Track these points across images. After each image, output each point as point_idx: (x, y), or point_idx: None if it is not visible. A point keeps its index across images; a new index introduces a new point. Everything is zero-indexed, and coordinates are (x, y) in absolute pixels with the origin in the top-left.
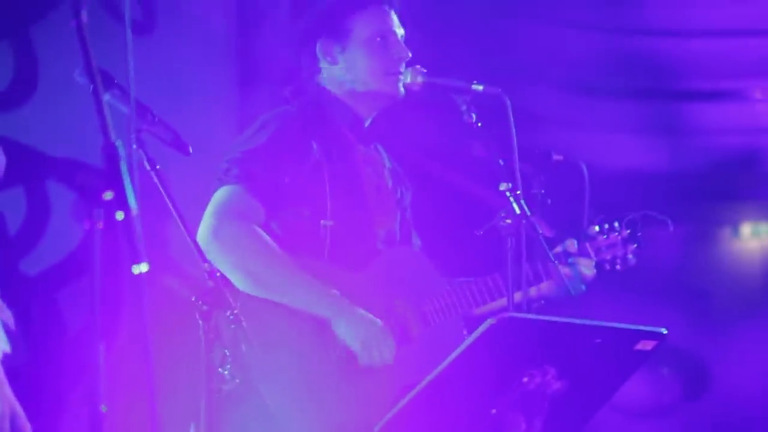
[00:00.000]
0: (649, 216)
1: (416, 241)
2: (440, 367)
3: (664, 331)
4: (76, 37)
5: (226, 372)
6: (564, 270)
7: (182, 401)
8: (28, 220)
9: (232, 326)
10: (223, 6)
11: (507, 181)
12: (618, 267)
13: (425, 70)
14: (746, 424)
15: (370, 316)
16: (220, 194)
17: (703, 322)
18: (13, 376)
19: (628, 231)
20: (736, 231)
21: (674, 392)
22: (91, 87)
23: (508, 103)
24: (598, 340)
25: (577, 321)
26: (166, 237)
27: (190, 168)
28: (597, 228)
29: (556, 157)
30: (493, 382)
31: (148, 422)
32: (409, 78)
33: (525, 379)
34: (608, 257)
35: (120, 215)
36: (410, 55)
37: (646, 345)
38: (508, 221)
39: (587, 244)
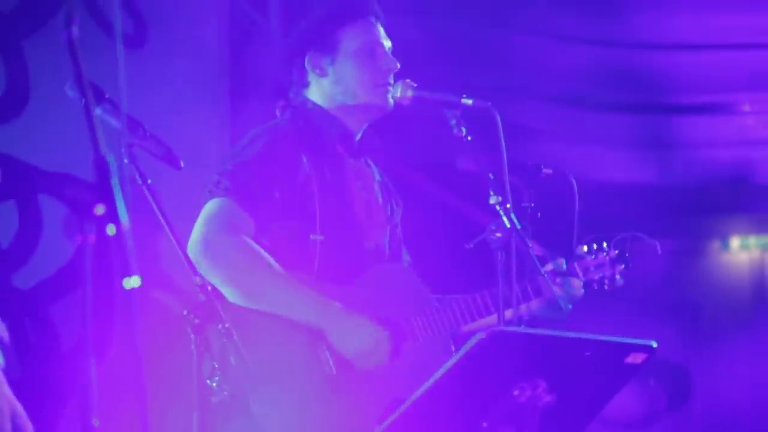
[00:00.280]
0: (637, 237)
1: (406, 257)
2: (431, 381)
3: (654, 344)
4: (67, 51)
5: (214, 384)
6: (554, 289)
7: (175, 414)
8: (21, 234)
9: (224, 339)
10: (215, 20)
11: (497, 195)
12: (606, 287)
13: (415, 84)
14: None
15: (364, 319)
16: (210, 206)
17: (693, 334)
18: None
19: (617, 252)
20: (725, 244)
21: (661, 404)
22: (83, 101)
23: (498, 117)
24: (588, 353)
25: (567, 334)
26: (157, 251)
27: (181, 182)
28: (585, 248)
29: (545, 170)
30: (484, 396)
31: None
32: (399, 92)
33: (516, 393)
34: (596, 277)
35: (111, 229)
36: (399, 66)
37: (636, 358)
38: (498, 235)
39: (575, 264)
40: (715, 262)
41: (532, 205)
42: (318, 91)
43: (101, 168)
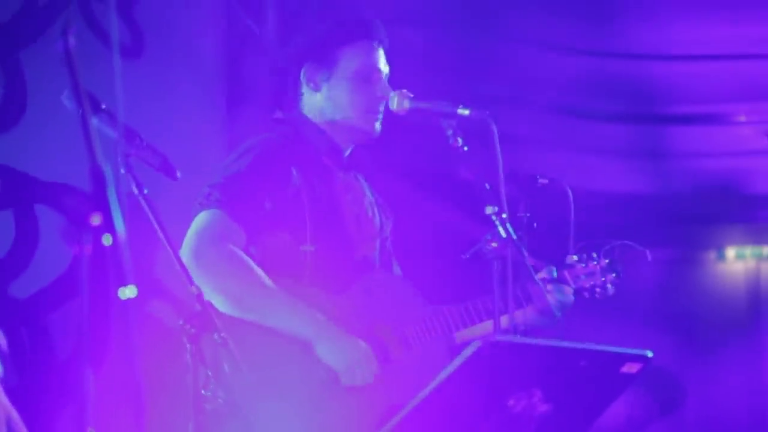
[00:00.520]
0: (627, 246)
1: (396, 269)
2: (426, 391)
3: (650, 354)
4: (64, 61)
5: (208, 393)
6: (546, 295)
7: (171, 424)
8: (17, 244)
9: (220, 348)
10: (211, 29)
11: (493, 205)
12: (597, 295)
13: (412, 95)
14: None
15: (353, 337)
16: (201, 218)
17: (689, 344)
18: None
19: (607, 260)
20: (720, 254)
21: (652, 411)
22: (79, 111)
23: (494, 127)
24: (584, 363)
25: (563, 344)
26: (154, 261)
27: (178, 191)
28: (575, 257)
29: (541, 180)
30: (480, 405)
31: None
32: (395, 103)
33: (511, 402)
34: (587, 285)
35: (107, 239)
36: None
37: (632, 368)
38: (494, 245)
39: (565, 272)
40: (711, 272)
41: (528, 215)
42: (309, 104)
43: (98, 178)
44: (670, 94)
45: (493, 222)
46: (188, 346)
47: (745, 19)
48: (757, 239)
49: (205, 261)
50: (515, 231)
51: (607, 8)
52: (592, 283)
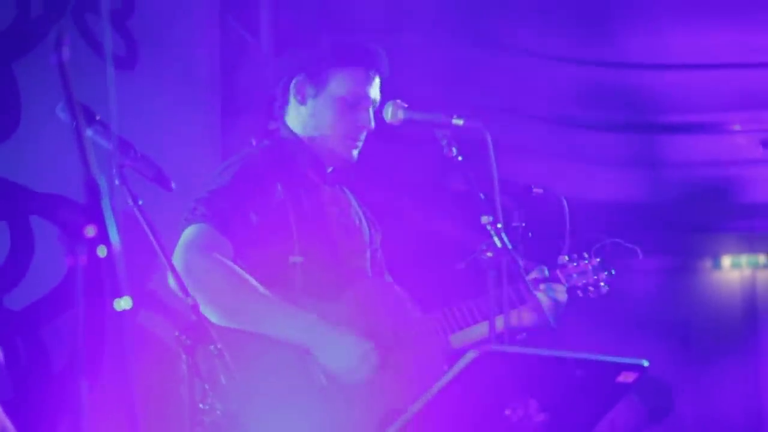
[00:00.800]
0: (618, 244)
1: (389, 279)
2: (422, 401)
3: (645, 363)
4: (57, 73)
5: (206, 406)
6: (538, 296)
7: None
8: (12, 255)
9: (215, 360)
10: (206, 40)
11: (488, 214)
12: (591, 294)
13: (406, 105)
14: None
15: (348, 333)
16: (189, 232)
17: (684, 352)
18: None
19: (598, 259)
20: (716, 263)
21: (641, 418)
22: (74, 123)
23: (489, 137)
24: (580, 373)
25: (559, 353)
26: (149, 272)
27: (172, 202)
28: (566, 257)
29: (536, 190)
30: (477, 416)
31: None
32: (390, 113)
33: (508, 412)
34: (579, 284)
35: (102, 251)
36: (373, 127)
37: (628, 377)
38: (490, 254)
39: (557, 271)
40: (707, 280)
41: (523, 224)
42: (294, 116)
43: (92, 189)
44: (666, 103)
45: (489, 232)
46: (184, 357)
47: (741, 28)
48: (753, 248)
49: (194, 273)
50: (510, 241)
51: (603, 18)
52: (584, 281)
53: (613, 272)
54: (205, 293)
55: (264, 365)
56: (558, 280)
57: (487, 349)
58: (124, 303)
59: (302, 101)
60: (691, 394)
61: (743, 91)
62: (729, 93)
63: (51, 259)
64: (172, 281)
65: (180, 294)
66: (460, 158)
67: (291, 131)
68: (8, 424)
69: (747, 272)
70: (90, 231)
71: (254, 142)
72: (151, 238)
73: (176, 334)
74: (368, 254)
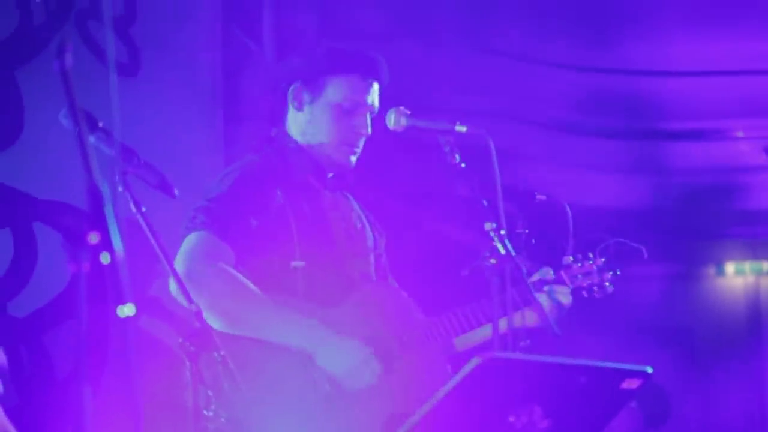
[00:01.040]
0: (622, 244)
1: (393, 284)
2: (426, 407)
3: (649, 370)
4: (60, 80)
5: (210, 413)
6: (542, 298)
7: None
8: (16, 262)
9: (219, 367)
10: (209, 47)
11: (491, 221)
12: (596, 294)
13: (409, 112)
14: None
15: (351, 339)
16: (189, 240)
17: (687, 358)
18: None
19: (603, 259)
20: (720, 269)
21: (637, 423)
22: (76, 130)
23: (492, 143)
24: (584, 380)
25: (562, 360)
26: (152, 279)
27: (176, 209)
28: (571, 258)
29: (539, 196)
30: (480, 422)
31: None
32: (392, 120)
33: (512, 419)
34: (584, 285)
35: (105, 258)
36: (370, 133)
37: (631, 383)
38: (493, 261)
39: (562, 272)
40: (710, 287)
41: (526, 231)
42: (292, 123)
43: (95, 196)
44: (669, 110)
45: (492, 238)
46: (188, 364)
47: (743, 35)
48: (757, 254)
49: (196, 280)
50: (514, 247)
51: (605, 24)
52: (589, 282)
53: (618, 272)
54: (206, 300)
55: (267, 372)
56: (562, 282)
57: (490, 356)
58: (127, 310)
59: (299, 108)
60: (695, 400)
61: (746, 98)
62: (731, 100)
63: (54, 266)
64: (174, 288)
65: (182, 301)
66: (463, 165)
67: (291, 138)
68: (10, 428)
69: (750, 279)
70: (93, 238)
71: (273, 137)
72: (155, 245)
73: (180, 341)
74: (372, 258)
